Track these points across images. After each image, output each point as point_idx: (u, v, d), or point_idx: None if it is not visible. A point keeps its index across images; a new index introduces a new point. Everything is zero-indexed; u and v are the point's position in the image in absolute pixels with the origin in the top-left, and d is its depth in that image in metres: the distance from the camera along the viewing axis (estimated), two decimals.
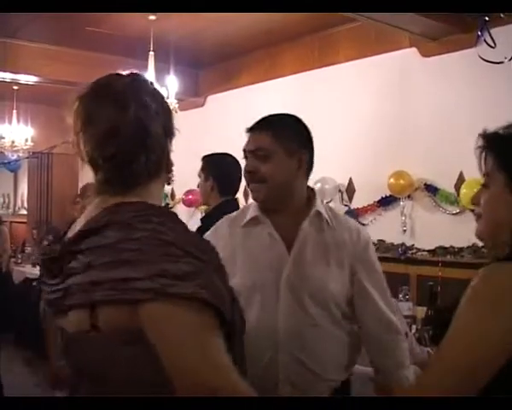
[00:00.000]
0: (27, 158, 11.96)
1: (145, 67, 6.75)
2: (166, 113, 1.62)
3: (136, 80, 1.62)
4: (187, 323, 1.36)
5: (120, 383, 1.44)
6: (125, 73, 1.63)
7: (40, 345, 3.06)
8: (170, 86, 7.08)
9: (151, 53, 6.85)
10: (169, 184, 1.65)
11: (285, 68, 8.19)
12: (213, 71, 9.34)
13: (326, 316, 2.34)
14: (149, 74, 6.58)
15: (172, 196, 10.21)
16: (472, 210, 5.20)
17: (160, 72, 6.99)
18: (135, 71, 1.65)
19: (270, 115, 2.46)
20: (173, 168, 1.67)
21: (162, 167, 1.60)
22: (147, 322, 1.37)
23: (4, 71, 8.39)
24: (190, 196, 9.27)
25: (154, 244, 1.39)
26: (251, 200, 2.46)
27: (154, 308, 1.35)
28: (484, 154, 1.61)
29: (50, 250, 1.58)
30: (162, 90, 6.17)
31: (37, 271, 8.61)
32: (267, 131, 2.35)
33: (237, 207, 3.34)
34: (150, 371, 1.40)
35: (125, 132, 1.50)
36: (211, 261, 1.44)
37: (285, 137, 2.34)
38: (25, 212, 14.08)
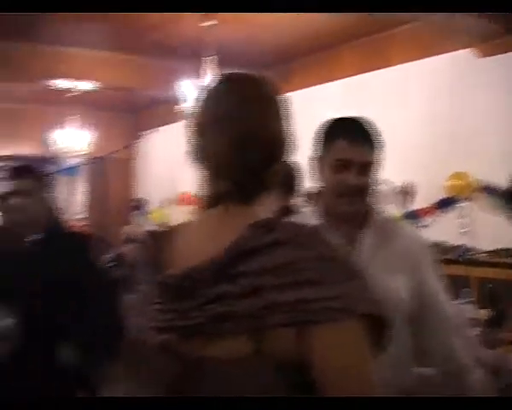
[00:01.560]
0: (85, 164, 12.17)
1: (203, 73, 6.80)
2: (288, 117, 1.51)
3: (263, 82, 1.50)
4: (358, 342, 1.34)
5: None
6: (249, 73, 1.52)
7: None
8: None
9: (209, 58, 6.87)
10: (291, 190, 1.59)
11: (343, 70, 8.16)
12: (271, 73, 9.34)
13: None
14: (208, 79, 6.60)
15: None
16: None
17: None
18: (259, 73, 1.52)
19: (360, 121, 2.38)
20: None
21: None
22: (317, 343, 1.32)
23: (63, 78, 8.57)
24: None
25: (328, 264, 1.34)
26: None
27: (329, 329, 1.31)
28: None
29: (178, 275, 1.43)
30: None
31: None
32: (370, 142, 2.28)
33: None
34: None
35: (263, 137, 1.43)
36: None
37: (378, 149, 2.31)
38: (80, 217, 14.28)
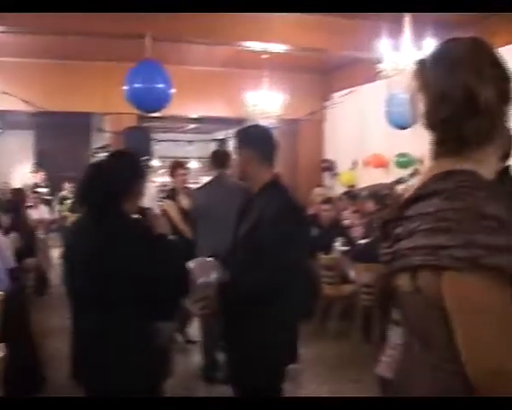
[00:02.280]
0: (278, 126, 12.39)
1: (398, 31, 6.67)
2: (504, 78, 1.56)
3: (474, 44, 1.59)
4: (491, 297, 1.37)
5: (443, 345, 1.48)
6: (464, 37, 1.61)
7: None
8: (427, 48, 6.85)
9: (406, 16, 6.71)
10: (508, 155, 1.63)
11: None
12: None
13: None
14: (405, 38, 6.49)
15: (422, 160, 10.00)
16: None
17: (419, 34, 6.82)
18: (475, 35, 1.61)
19: None
20: None
21: (494, 135, 1.56)
22: (450, 290, 1.41)
23: (255, 40, 8.77)
24: None
25: (472, 216, 1.40)
26: None
27: (462, 277, 1.38)
28: None
29: (385, 215, 1.70)
30: (419, 54, 5.94)
31: None
32: None
33: None
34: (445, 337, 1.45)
35: (453, 97, 1.52)
36: None
37: None
38: None
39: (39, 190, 12.33)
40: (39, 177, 15.60)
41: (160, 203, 6.88)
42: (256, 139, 3.60)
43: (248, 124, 4.94)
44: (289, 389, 5.50)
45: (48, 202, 13.25)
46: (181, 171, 7.13)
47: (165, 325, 3.13)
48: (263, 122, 10.83)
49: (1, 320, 4.86)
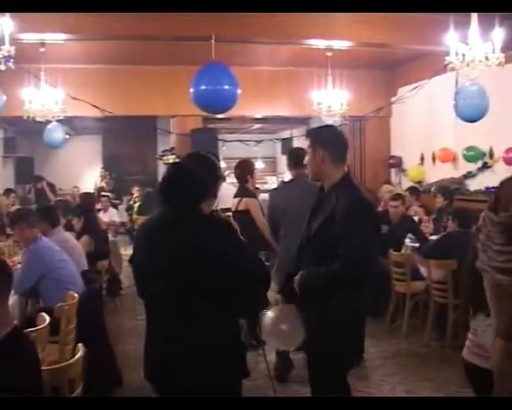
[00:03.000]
0: (344, 123, 12.33)
1: (466, 23, 6.54)
2: None
3: None
4: None
5: None
6: None
7: None
8: (495, 39, 6.69)
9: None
10: None
11: None
12: None
13: None
14: (473, 29, 6.38)
15: (491, 154, 9.80)
16: None
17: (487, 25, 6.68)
18: None
19: None
20: None
21: None
22: None
23: (318, 38, 8.73)
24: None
25: None
26: None
27: None
28: None
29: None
30: (487, 46, 5.81)
31: None
32: None
33: None
34: None
35: None
36: None
37: None
38: None
39: (108, 193, 12.57)
40: (107, 181, 15.93)
41: (243, 200, 6.79)
42: (329, 140, 3.67)
43: (318, 124, 4.97)
44: (363, 389, 5.49)
45: (115, 206, 13.53)
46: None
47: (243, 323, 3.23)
48: (328, 120, 10.78)
49: (76, 321, 5.00)
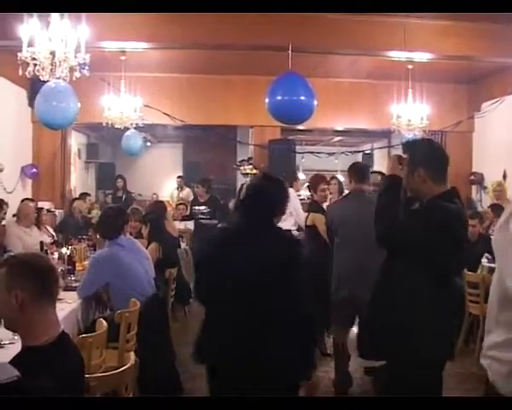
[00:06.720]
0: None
1: None
2: None
3: None
4: None
5: None
6: None
7: None
8: None
9: None
10: None
11: None
12: None
13: None
14: None
15: None
16: None
17: None
18: None
19: None
20: None
21: None
22: None
23: (399, 50, 8.53)
24: None
25: None
26: None
27: None
28: None
29: None
30: None
31: None
32: None
33: None
34: None
35: None
36: None
37: None
38: None
39: (185, 203, 12.59)
40: (186, 193, 15.91)
41: (310, 215, 7.07)
42: (429, 157, 3.52)
43: (400, 138, 4.88)
44: None
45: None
46: (322, 185, 7.15)
47: None
48: (408, 134, 10.53)
49: (139, 327, 5.01)
